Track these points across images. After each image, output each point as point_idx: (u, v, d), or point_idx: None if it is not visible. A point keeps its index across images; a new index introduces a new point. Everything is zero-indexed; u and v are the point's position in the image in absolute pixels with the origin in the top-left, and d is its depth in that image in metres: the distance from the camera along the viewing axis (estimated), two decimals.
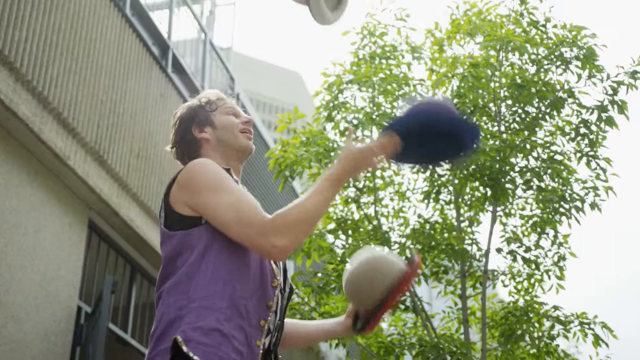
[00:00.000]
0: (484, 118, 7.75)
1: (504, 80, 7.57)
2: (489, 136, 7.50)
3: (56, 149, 6.80)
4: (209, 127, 2.58)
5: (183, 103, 9.80)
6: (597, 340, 7.17)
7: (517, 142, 7.55)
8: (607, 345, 7.19)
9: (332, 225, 7.90)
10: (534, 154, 7.65)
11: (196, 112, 2.61)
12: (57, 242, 7.04)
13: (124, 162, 7.97)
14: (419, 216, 8.07)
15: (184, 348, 2.09)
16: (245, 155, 2.63)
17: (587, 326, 7.27)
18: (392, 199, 8.34)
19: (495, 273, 7.94)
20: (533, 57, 7.55)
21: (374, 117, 7.51)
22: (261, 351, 2.29)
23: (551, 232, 7.75)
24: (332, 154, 7.34)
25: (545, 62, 7.48)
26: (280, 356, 2.47)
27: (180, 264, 2.29)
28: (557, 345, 7.53)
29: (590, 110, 7.43)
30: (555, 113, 7.61)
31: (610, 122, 7.33)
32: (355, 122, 7.59)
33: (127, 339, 8.45)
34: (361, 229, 7.71)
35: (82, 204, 7.53)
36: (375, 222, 7.77)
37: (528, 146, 7.60)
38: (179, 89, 9.71)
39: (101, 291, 7.01)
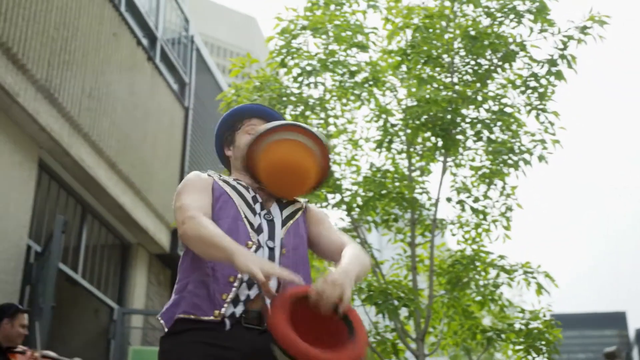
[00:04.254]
0: (437, 69, 7.80)
1: (457, 31, 7.62)
2: (441, 87, 7.56)
3: (5, 85, 6.68)
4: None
5: (136, 43, 9.64)
6: (540, 289, 7.40)
7: (469, 94, 7.64)
8: (548, 293, 7.43)
9: None
10: (485, 106, 7.75)
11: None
12: (6, 180, 6.96)
13: (76, 101, 7.87)
14: (371, 165, 8.13)
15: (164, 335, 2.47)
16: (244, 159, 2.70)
17: (530, 275, 7.49)
18: (345, 147, 8.38)
19: (444, 222, 8.09)
20: (487, 9, 7.61)
21: (327, 64, 7.51)
22: (231, 306, 2.38)
23: (499, 183, 7.91)
24: (285, 99, 7.34)
25: (499, 14, 7.55)
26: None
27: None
28: (502, 293, 7.75)
29: (541, 64, 7.55)
30: (507, 66, 7.70)
31: (559, 75, 7.47)
32: (308, 68, 7.58)
33: (77, 279, 8.45)
34: None
35: (32, 142, 7.43)
36: None
37: (480, 98, 7.70)
38: (132, 29, 9.57)
39: (52, 230, 6.97)
